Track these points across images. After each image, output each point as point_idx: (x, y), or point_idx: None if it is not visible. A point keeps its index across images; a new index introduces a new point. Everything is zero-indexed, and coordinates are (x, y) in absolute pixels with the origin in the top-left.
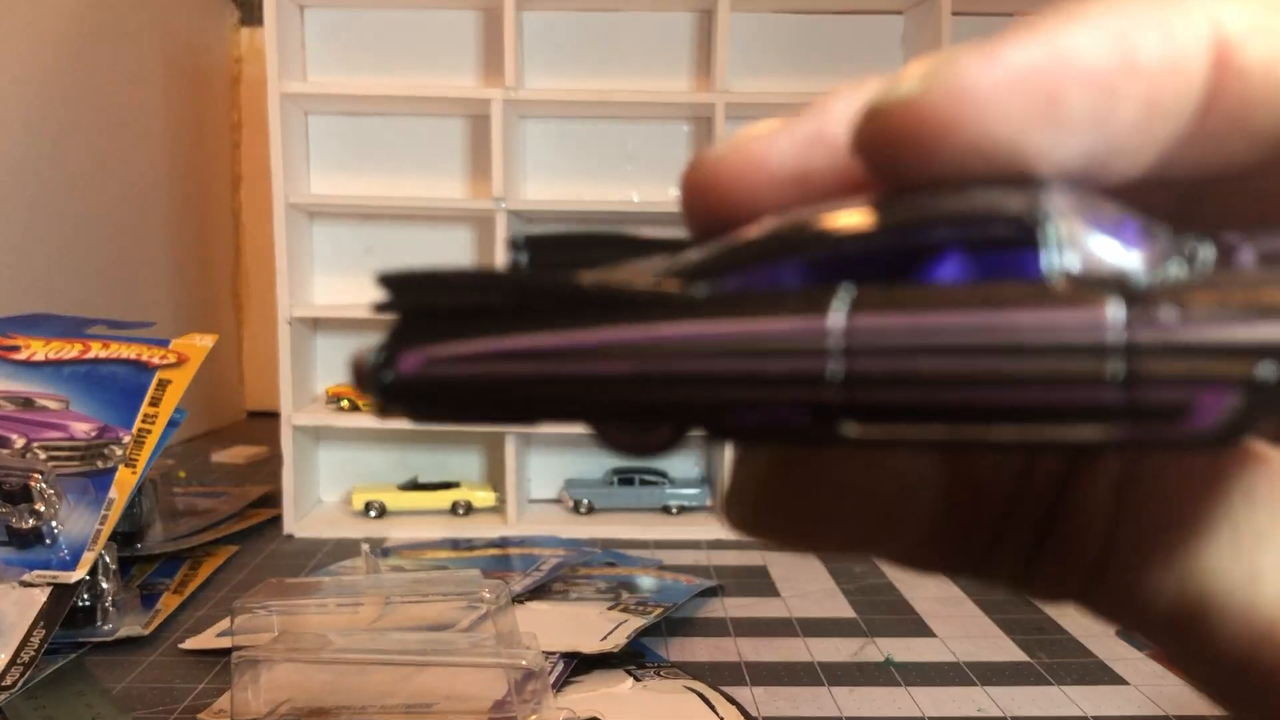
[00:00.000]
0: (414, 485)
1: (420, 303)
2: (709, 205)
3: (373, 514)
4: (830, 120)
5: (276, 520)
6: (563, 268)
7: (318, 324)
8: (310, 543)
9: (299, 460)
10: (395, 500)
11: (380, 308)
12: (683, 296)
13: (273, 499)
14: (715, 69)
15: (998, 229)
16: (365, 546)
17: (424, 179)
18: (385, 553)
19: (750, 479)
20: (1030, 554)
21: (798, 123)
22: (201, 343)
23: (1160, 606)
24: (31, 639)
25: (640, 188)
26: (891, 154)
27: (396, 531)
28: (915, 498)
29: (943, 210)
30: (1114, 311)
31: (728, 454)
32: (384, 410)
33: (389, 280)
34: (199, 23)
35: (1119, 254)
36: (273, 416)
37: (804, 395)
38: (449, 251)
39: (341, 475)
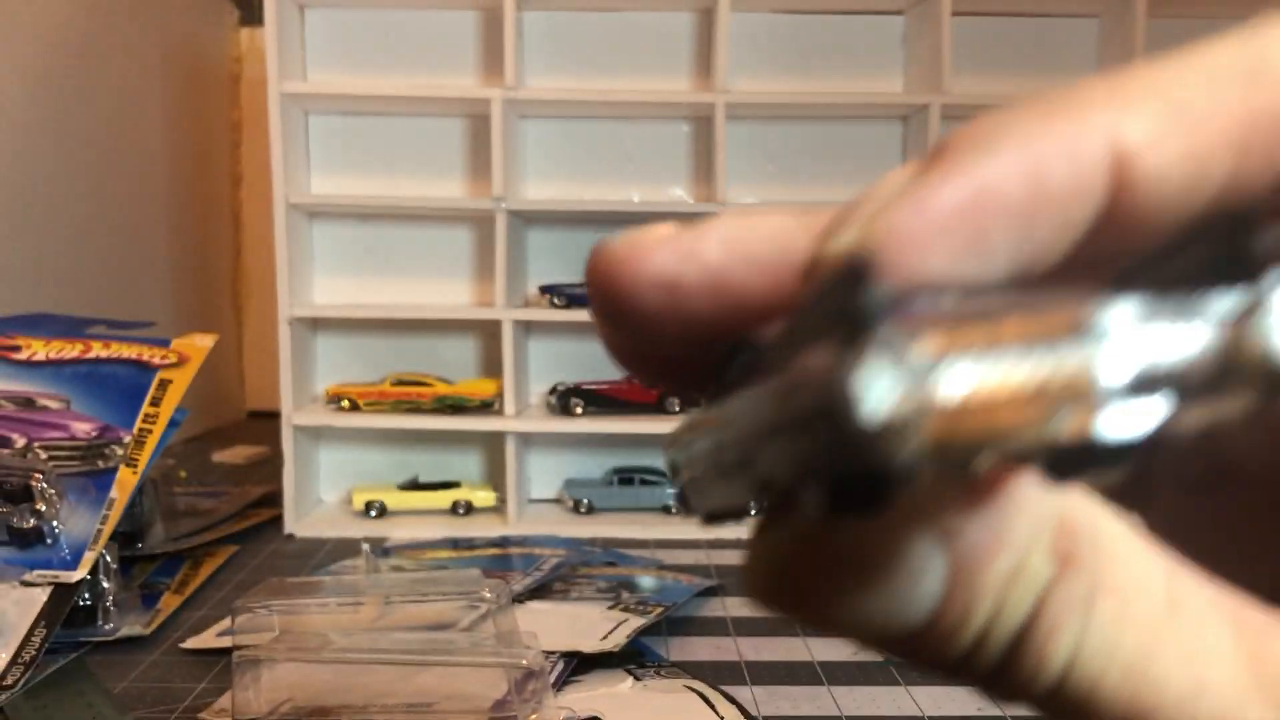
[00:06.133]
0: (414, 485)
1: None
2: (603, 294)
3: (373, 514)
4: (705, 240)
5: (277, 520)
6: None
7: (318, 324)
8: (310, 542)
9: (299, 460)
10: (395, 500)
11: None
12: None
13: (273, 499)
14: (715, 69)
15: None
16: (366, 546)
17: (424, 179)
18: (386, 552)
19: (771, 552)
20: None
21: (680, 237)
22: (202, 343)
23: (1113, 714)
24: (32, 638)
25: (640, 188)
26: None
27: (397, 531)
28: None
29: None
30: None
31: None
32: None
33: None
34: (199, 22)
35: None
36: (273, 416)
37: None
38: (449, 251)
39: (342, 475)
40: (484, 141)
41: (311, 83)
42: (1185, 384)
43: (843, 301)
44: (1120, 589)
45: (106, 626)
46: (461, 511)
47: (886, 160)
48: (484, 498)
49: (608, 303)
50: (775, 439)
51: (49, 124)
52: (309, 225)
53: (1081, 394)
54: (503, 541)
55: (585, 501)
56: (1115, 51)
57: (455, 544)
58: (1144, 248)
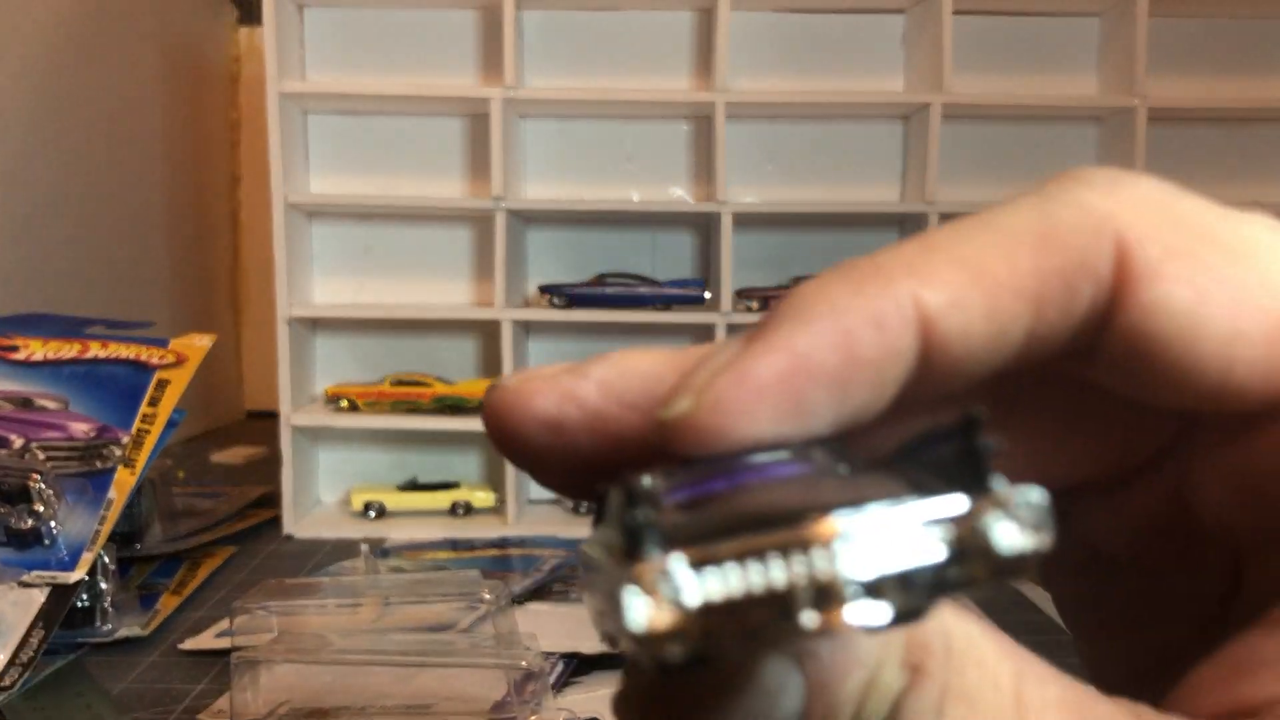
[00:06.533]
0: (413, 486)
1: None
2: (497, 434)
3: (372, 514)
4: (584, 382)
5: (275, 521)
6: None
7: (317, 324)
8: (309, 543)
9: (298, 460)
10: (395, 501)
11: None
12: None
13: (271, 499)
14: (715, 68)
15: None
16: (364, 547)
17: (423, 178)
18: (385, 553)
19: (636, 692)
20: None
21: (561, 379)
22: (200, 343)
23: None
24: (30, 640)
25: (640, 188)
26: (679, 448)
27: (396, 532)
28: None
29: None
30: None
31: None
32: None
33: None
34: (197, 22)
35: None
36: (272, 417)
37: None
38: (448, 251)
39: (340, 476)
40: (483, 141)
41: (310, 82)
42: (921, 579)
43: (622, 519)
44: (968, 693)
45: (105, 627)
46: (461, 512)
47: (887, 160)
48: (483, 498)
49: (502, 442)
50: (604, 612)
51: (47, 123)
52: (308, 225)
53: (827, 593)
54: (502, 542)
55: (585, 502)
56: (1116, 50)
57: (454, 545)
58: (908, 434)
